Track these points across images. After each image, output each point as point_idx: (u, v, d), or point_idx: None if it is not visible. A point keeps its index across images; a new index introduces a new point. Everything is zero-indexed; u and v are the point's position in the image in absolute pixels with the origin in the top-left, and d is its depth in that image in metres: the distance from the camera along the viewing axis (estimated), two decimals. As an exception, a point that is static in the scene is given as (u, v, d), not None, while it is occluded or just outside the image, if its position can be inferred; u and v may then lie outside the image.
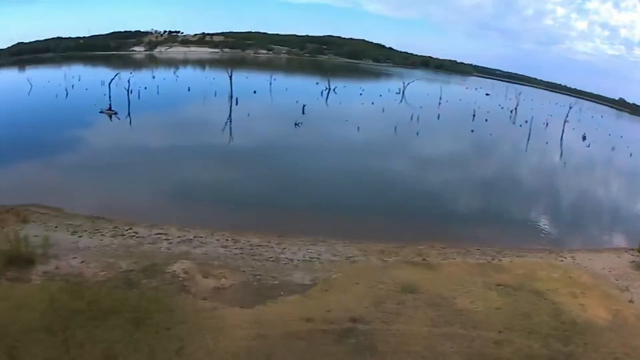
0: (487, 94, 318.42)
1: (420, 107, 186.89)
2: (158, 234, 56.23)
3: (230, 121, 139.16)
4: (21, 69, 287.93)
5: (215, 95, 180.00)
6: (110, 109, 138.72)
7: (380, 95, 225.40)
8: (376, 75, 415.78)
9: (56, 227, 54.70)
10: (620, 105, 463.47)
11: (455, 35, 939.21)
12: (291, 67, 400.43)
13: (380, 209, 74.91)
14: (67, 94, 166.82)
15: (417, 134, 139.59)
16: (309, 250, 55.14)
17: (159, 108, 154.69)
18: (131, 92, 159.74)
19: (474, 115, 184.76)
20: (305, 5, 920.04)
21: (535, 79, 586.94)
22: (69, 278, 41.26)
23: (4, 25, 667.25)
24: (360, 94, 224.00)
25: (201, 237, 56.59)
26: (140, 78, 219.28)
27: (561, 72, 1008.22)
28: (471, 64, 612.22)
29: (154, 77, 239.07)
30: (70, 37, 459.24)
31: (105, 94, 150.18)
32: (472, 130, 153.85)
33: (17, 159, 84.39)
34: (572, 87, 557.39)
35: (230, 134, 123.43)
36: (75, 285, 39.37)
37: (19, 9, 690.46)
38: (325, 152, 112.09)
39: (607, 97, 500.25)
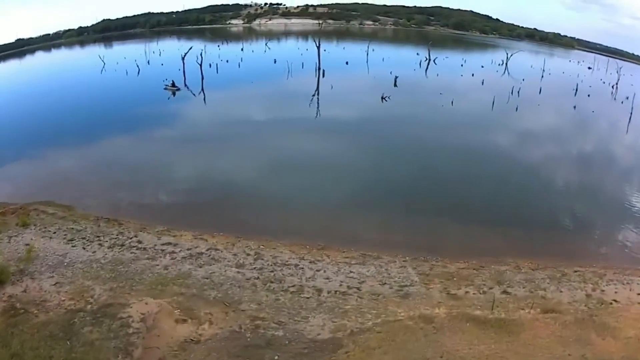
0: (589, 68, 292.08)
1: (523, 79, 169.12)
2: (165, 244, 45.04)
3: (314, 95, 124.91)
4: (107, 45, 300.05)
5: (303, 67, 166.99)
6: (173, 85, 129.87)
7: (482, 67, 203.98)
8: (481, 46, 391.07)
9: (54, 233, 46.97)
10: None
11: (558, 8, 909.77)
12: (397, 38, 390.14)
13: (456, 206, 59.55)
14: (139, 71, 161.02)
15: (516, 109, 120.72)
16: (351, 273, 41.00)
17: (234, 83, 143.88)
18: (210, 66, 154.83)
19: (576, 90, 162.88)
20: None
21: (633, 54, 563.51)
22: (27, 307, 33.81)
23: (89, 3, 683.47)
24: (462, 66, 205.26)
25: (217, 249, 44.50)
26: (227, 51, 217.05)
27: None
28: (573, 37, 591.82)
29: (242, 50, 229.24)
30: (162, 12, 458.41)
31: (179, 69, 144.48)
32: (575, 107, 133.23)
33: (51, 146, 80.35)
34: None
35: (304, 110, 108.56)
36: (14, 327, 31.39)
37: None
38: (404, 131, 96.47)
39: None
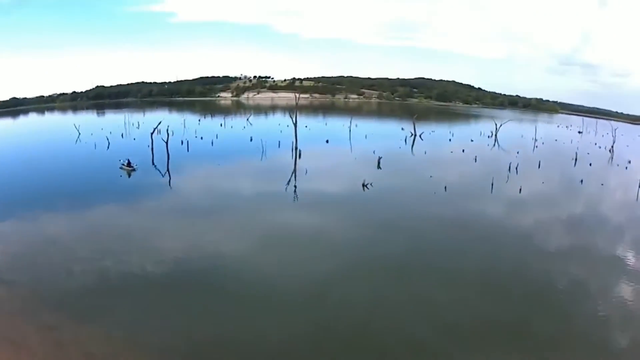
0: (579, 132, 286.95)
1: (517, 152, 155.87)
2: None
3: (287, 183, 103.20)
4: (99, 112, 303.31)
5: (279, 146, 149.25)
6: (129, 164, 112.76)
7: (472, 140, 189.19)
8: (465, 117, 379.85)
9: None
10: None
11: (538, 72, 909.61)
12: (381, 111, 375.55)
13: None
14: (108, 145, 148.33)
15: (520, 190, 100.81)
16: None
17: (202, 163, 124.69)
18: (182, 143, 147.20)
19: (575, 160, 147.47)
20: (397, 48, 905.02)
21: (616, 112, 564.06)
22: None
23: (85, 68, 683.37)
24: (450, 140, 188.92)
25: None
26: (206, 126, 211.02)
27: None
28: (555, 101, 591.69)
29: (221, 125, 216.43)
30: (155, 82, 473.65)
31: (149, 145, 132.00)
32: (582, 181, 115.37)
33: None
34: None
35: (270, 207, 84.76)
36: None
37: (101, 52, 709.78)
38: (388, 232, 71.57)
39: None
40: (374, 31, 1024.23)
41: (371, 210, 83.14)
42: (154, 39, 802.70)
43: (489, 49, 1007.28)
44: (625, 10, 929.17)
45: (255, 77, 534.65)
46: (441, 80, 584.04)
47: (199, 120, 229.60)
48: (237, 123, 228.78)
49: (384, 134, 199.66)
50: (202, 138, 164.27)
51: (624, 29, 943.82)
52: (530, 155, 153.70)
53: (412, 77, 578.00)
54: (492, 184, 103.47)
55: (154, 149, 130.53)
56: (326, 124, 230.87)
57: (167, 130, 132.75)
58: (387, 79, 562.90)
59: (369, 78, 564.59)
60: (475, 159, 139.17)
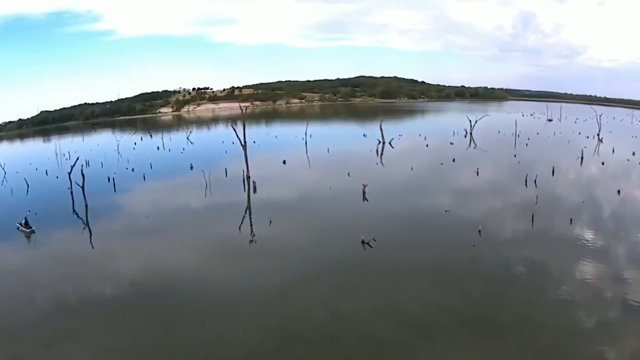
0: (549, 120, 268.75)
1: (516, 158, 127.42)
2: None
3: (252, 239, 68.50)
4: (45, 138, 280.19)
5: (226, 174, 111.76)
6: (26, 224, 74.96)
7: (452, 144, 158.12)
8: (420, 113, 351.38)
9: None
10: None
11: (479, 62, 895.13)
12: (326, 114, 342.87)
13: None
14: (27, 189, 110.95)
15: (570, 221, 68.81)
16: None
17: (129, 211, 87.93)
18: (108, 180, 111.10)
19: (581, 159, 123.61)
20: (332, 49, 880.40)
21: (565, 93, 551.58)
22: None
23: (30, 94, 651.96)
24: (427, 146, 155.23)
25: None
26: (142, 149, 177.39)
27: (586, 81, 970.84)
28: (502, 88, 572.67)
29: (158, 148, 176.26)
30: (97, 103, 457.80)
31: (68, 188, 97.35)
32: (619, 191, 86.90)
33: None
34: (602, 95, 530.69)
35: (218, 281, 53.60)
36: None
37: (44, 76, 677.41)
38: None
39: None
40: (305, 34, 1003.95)
41: (407, 305, 46.24)
42: (94, 59, 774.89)
43: (423, 42, 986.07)
44: None
45: (193, 89, 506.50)
46: (382, 77, 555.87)
47: (135, 144, 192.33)
48: (176, 143, 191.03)
49: (344, 143, 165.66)
50: (133, 170, 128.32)
51: (565, 10, 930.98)
52: (530, 158, 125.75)
53: (352, 76, 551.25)
54: (533, 219, 70.81)
55: (73, 193, 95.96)
56: (276, 137, 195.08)
57: (82, 170, 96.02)
58: (327, 80, 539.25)
59: (308, 81, 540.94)
60: (477, 172, 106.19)
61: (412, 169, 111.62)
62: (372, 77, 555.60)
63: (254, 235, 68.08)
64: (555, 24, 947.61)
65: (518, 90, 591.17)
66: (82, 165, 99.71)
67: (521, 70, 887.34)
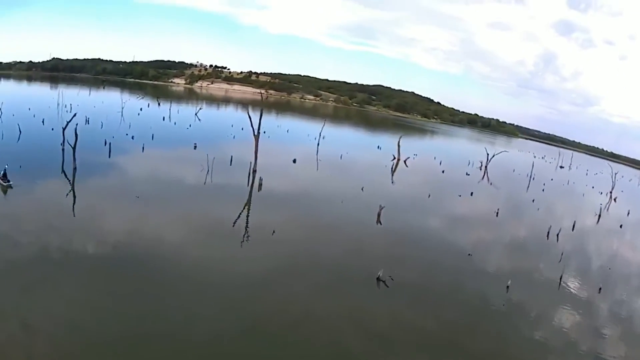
0: (561, 167, 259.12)
1: (535, 203, 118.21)
2: None
3: (247, 247, 59.42)
4: (52, 85, 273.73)
5: (231, 163, 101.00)
6: (4, 176, 67.14)
7: (468, 174, 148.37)
8: (431, 133, 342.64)
9: None
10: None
11: (495, 93, 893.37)
12: (339, 116, 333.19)
13: None
14: (19, 136, 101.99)
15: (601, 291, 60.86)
16: None
17: (121, 182, 78.39)
18: (105, 143, 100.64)
19: (598, 217, 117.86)
20: (357, 53, 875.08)
21: (574, 141, 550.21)
22: None
23: (42, 38, 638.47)
24: (443, 172, 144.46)
25: None
26: (147, 117, 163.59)
27: (595, 133, 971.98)
28: (513, 124, 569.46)
29: (163, 119, 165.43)
30: (111, 60, 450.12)
31: (60, 143, 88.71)
32: None
33: None
34: (609, 150, 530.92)
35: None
36: None
37: (59, 24, 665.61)
38: None
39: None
40: (336, 33, 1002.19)
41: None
42: (118, 17, 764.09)
43: (445, 62, 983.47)
44: (590, 41, 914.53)
45: (211, 66, 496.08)
46: (400, 90, 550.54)
47: (140, 110, 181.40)
48: (184, 117, 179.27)
49: (358, 152, 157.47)
50: (133, 138, 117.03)
51: (587, 60, 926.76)
52: (549, 205, 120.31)
53: (371, 83, 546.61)
54: (562, 281, 62.80)
55: (65, 150, 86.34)
56: (288, 131, 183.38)
57: (76, 129, 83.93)
58: (345, 82, 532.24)
59: (327, 80, 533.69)
60: (497, 214, 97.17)
61: (429, 196, 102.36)
62: (390, 88, 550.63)
63: (249, 240, 59.52)
64: (574, 69, 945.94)
65: (528, 129, 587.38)
66: (76, 124, 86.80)
67: (534, 110, 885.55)
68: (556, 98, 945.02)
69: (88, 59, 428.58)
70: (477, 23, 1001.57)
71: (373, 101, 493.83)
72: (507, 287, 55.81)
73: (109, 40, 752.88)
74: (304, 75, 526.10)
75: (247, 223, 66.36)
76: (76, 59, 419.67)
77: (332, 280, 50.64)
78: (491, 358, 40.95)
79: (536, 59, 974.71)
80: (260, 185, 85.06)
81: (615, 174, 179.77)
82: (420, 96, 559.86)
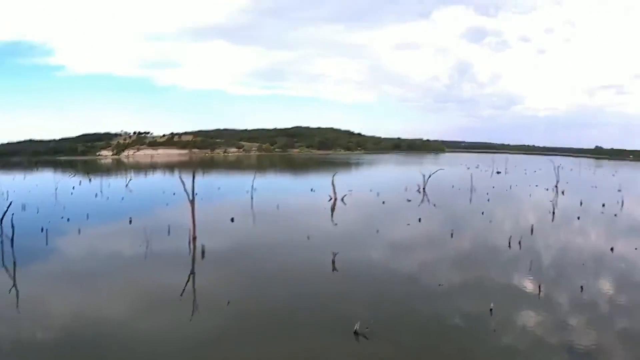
0: (498, 172, 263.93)
1: (484, 216, 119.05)
2: None
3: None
4: None
5: (169, 233, 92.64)
6: None
7: (409, 200, 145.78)
8: (357, 165, 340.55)
9: None
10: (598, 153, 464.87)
11: (414, 113, 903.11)
12: (265, 165, 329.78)
13: None
14: None
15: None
16: None
17: (56, 273, 67.28)
18: (42, 229, 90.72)
19: (552, 213, 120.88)
20: (270, 97, 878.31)
21: (502, 144, 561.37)
22: None
23: None
24: (383, 203, 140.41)
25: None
26: (77, 197, 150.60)
27: (524, 131, 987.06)
28: (437, 140, 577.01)
29: (96, 196, 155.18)
30: (42, 140, 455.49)
31: None
32: (612, 249, 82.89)
33: None
34: (542, 145, 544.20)
35: None
36: None
37: None
38: None
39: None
40: (245, 81, 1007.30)
41: None
42: (43, 93, 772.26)
43: (358, 92, 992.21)
44: (504, 43, 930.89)
45: (135, 133, 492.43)
46: (319, 128, 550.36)
47: (73, 189, 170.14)
48: (115, 190, 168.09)
49: (293, 198, 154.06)
50: (68, 220, 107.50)
51: (504, 62, 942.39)
52: (499, 214, 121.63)
53: (289, 126, 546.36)
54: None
55: (3, 243, 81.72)
56: (219, 188, 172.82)
57: (12, 220, 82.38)
58: (265, 129, 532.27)
59: (246, 130, 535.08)
60: (452, 234, 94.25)
61: (377, 231, 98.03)
62: (308, 127, 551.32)
63: (199, 309, 54.23)
64: (491, 73, 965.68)
65: (454, 141, 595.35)
66: (12, 214, 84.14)
67: (457, 122, 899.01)
68: (476, 105, 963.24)
69: (21, 142, 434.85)
70: (383, 47, 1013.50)
71: (295, 143, 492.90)
72: (491, 310, 52.25)
73: (39, 118, 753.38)
74: (224, 129, 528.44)
75: (194, 293, 61.30)
76: (9, 143, 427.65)
77: (305, 341, 45.89)
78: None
79: (450, 71, 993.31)
80: (202, 252, 78.64)
81: (558, 167, 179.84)
82: (340, 130, 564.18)
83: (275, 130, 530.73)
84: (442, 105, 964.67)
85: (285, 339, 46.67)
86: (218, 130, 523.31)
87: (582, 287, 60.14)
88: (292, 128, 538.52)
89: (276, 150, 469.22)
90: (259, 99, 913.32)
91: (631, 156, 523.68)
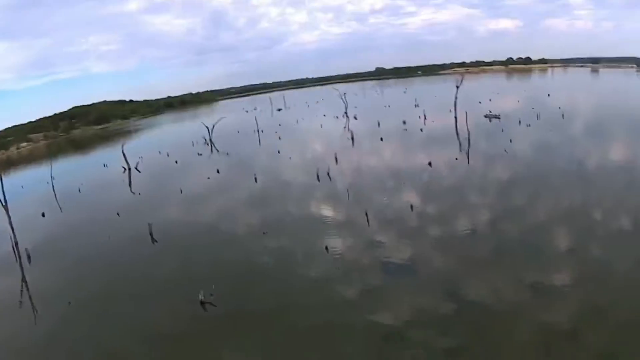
0: (279, 110, 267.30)
1: (280, 154, 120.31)
2: None
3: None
4: None
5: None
6: None
7: (200, 154, 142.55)
8: (137, 132, 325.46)
9: None
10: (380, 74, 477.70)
11: (178, 70, 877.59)
12: (54, 152, 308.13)
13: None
14: None
15: None
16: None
17: None
18: None
19: (352, 140, 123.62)
20: (47, 85, 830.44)
21: (274, 82, 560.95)
22: None
23: None
24: (176, 162, 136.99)
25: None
26: None
27: (295, 66, 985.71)
28: (207, 91, 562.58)
29: None
30: None
31: None
32: (430, 163, 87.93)
33: None
34: (316, 76, 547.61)
35: None
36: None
37: None
38: None
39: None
40: (21, 74, 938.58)
41: None
42: None
43: (121, 61, 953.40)
44: None
45: None
46: (93, 103, 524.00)
47: None
48: None
49: (91, 178, 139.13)
50: None
51: (254, 7, 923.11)
52: (294, 151, 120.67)
53: (66, 108, 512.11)
54: None
55: None
56: (22, 187, 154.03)
57: None
58: (46, 118, 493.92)
59: (30, 122, 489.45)
60: (256, 179, 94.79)
61: (181, 191, 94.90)
62: (83, 105, 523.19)
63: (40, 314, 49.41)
64: (248, 19, 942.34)
65: (223, 89, 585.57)
66: None
67: (222, 70, 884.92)
68: (239, 51, 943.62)
69: None
70: (135, 14, 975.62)
71: (76, 124, 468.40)
72: (326, 247, 53.19)
73: None
74: (12, 126, 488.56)
75: (30, 299, 55.19)
76: None
77: (157, 315, 43.20)
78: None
79: (205, 23, 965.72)
80: (28, 256, 70.34)
81: (344, 94, 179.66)
82: (113, 101, 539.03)
83: (55, 116, 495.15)
84: (204, 57, 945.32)
85: (138, 319, 44.60)
86: (8, 128, 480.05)
87: (411, 206, 60.46)
88: (69, 110, 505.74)
89: (60, 134, 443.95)
90: (36, 89, 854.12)
91: (419, 72, 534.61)
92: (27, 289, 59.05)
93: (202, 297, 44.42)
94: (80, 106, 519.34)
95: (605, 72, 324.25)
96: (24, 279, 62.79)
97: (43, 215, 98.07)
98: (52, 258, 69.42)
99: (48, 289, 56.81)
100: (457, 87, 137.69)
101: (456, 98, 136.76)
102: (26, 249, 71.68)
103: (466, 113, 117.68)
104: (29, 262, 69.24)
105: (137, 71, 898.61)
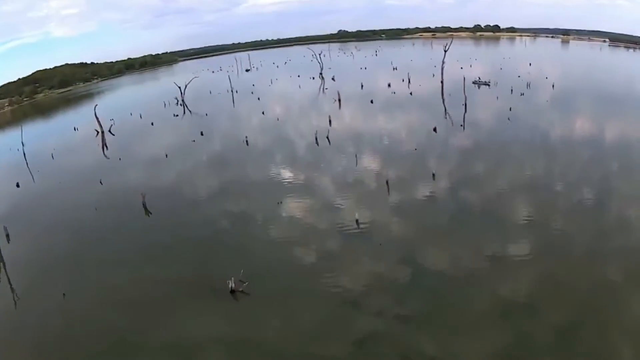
0: (247, 70, 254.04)
1: (265, 115, 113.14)
2: None
3: None
4: None
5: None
6: None
7: (176, 115, 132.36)
8: (101, 93, 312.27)
9: None
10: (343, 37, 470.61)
11: (137, 32, 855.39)
12: (18, 117, 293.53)
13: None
14: None
15: None
16: None
17: None
18: None
19: (339, 101, 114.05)
20: (11, 51, 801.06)
21: (233, 44, 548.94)
22: None
23: None
24: (152, 124, 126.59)
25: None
26: None
27: (254, 28, 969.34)
28: (167, 52, 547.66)
29: None
30: None
31: None
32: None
33: None
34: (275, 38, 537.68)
35: None
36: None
37: None
38: None
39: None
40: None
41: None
42: None
43: (82, 24, 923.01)
44: None
45: None
46: (55, 67, 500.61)
47: None
48: None
49: (62, 142, 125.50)
50: None
51: None
52: (278, 112, 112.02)
53: (30, 73, 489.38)
54: None
55: None
56: None
57: None
58: (10, 83, 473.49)
59: None
60: (246, 142, 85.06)
61: (166, 155, 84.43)
62: (46, 69, 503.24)
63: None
64: None
65: (183, 50, 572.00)
66: None
67: (181, 31, 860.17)
68: (197, 12, 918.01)
69: None
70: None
71: (39, 88, 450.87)
72: (357, 220, 47.35)
73: None
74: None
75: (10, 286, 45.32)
76: None
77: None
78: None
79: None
80: (7, 236, 58.63)
81: (320, 54, 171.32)
82: (75, 64, 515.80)
83: (18, 81, 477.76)
84: (162, 19, 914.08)
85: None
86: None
87: (433, 175, 57.23)
88: (33, 74, 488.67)
89: (24, 100, 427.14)
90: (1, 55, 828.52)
91: (383, 35, 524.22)
92: (6, 274, 48.54)
93: (233, 285, 35.38)
94: (43, 70, 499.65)
95: (576, 44, 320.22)
96: (1, 258, 52.13)
97: (18, 185, 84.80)
98: (35, 237, 57.86)
99: (34, 280, 46.23)
100: (445, 51, 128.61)
101: (444, 62, 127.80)
102: (5, 227, 59.41)
103: (464, 78, 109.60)
104: (7, 241, 57.70)
105: (97, 34, 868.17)
